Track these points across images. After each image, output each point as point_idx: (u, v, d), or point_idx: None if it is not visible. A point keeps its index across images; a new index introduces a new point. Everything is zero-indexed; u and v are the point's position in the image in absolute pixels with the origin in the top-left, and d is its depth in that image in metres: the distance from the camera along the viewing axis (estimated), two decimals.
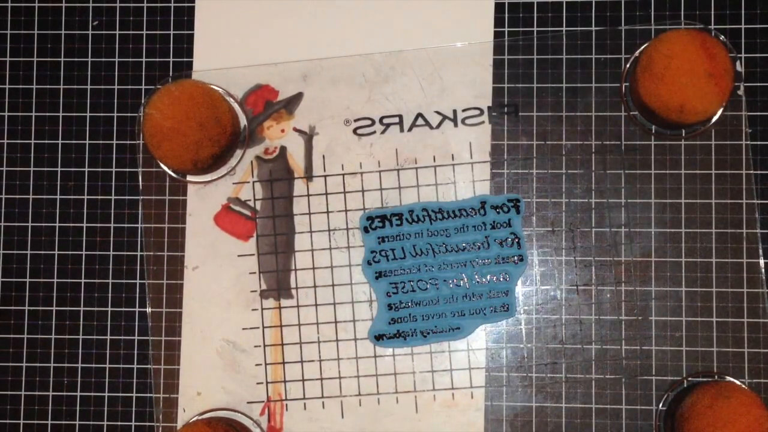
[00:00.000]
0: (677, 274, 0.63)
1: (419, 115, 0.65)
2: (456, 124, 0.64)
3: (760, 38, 0.64)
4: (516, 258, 0.63)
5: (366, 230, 0.64)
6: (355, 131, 0.65)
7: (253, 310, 0.64)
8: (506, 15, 0.65)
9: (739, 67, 0.63)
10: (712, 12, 0.64)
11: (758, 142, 0.63)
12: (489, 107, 0.65)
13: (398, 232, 0.63)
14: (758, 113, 0.63)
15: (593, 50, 0.64)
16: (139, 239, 0.66)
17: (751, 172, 0.63)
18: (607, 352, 0.63)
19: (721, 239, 0.63)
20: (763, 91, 0.64)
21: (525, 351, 0.63)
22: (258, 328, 0.64)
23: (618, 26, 0.64)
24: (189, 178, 0.65)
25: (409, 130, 0.65)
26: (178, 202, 0.65)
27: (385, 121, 0.65)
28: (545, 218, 0.64)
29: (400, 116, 0.65)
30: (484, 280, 0.63)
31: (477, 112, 0.64)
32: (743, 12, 0.64)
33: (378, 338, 0.63)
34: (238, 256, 0.65)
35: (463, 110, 0.64)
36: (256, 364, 0.64)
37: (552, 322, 0.63)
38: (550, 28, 0.65)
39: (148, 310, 0.65)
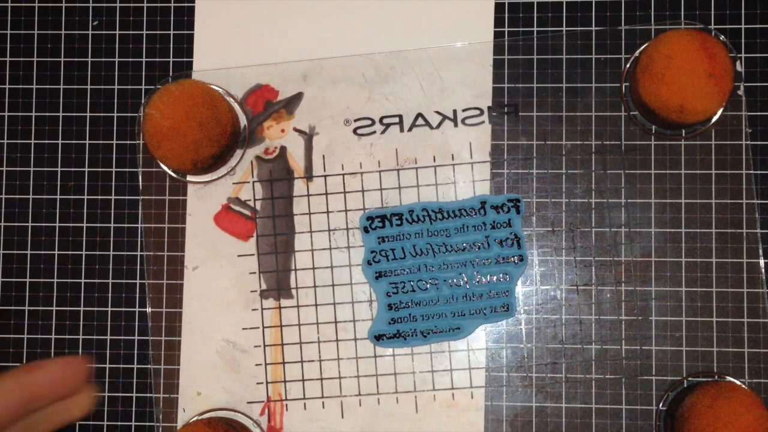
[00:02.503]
0: (677, 274, 0.63)
1: (419, 115, 0.65)
2: (456, 124, 0.64)
3: (760, 38, 0.64)
4: (516, 258, 0.63)
5: (366, 230, 0.63)
6: (355, 131, 0.65)
7: (253, 310, 0.64)
8: (506, 15, 0.65)
9: (739, 67, 0.63)
10: (712, 12, 0.64)
11: (758, 142, 0.63)
12: (489, 107, 0.64)
13: (398, 232, 0.63)
14: (758, 113, 0.63)
15: (593, 50, 0.64)
16: (139, 239, 0.66)
17: (751, 172, 0.63)
18: (607, 352, 0.63)
19: (721, 239, 0.63)
20: (763, 91, 0.64)
21: (525, 351, 0.63)
22: (258, 328, 0.64)
23: (618, 26, 0.64)
24: (189, 178, 0.65)
25: (409, 130, 0.65)
26: (178, 202, 0.65)
27: (385, 121, 0.65)
28: (545, 218, 0.64)
29: (400, 116, 0.65)
30: (484, 280, 0.63)
31: (477, 112, 0.64)
32: (743, 12, 0.64)
33: (378, 338, 0.63)
34: (238, 256, 0.65)
35: (463, 110, 0.64)
36: (256, 364, 0.64)
37: (552, 322, 0.63)
38: (550, 28, 0.65)
39: (148, 310, 0.65)
